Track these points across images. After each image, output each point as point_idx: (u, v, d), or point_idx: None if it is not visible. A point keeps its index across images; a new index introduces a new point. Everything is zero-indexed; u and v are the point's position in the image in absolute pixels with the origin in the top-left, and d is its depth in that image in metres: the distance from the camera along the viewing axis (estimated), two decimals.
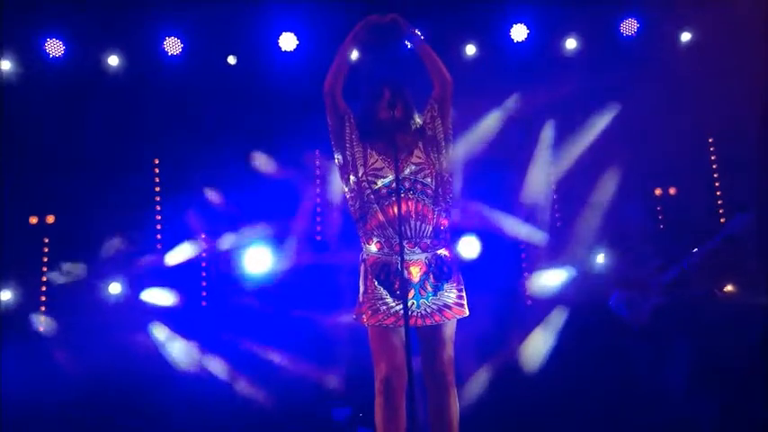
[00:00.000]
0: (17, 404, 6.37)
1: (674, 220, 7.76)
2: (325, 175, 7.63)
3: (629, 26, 7.60)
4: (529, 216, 7.53)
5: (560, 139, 7.64)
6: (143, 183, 7.58)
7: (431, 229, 3.86)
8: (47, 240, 7.43)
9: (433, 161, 3.96)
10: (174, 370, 7.12)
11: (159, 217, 7.60)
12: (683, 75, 7.52)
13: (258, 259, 7.43)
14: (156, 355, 7.14)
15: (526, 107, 7.40)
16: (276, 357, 7.14)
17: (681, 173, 7.76)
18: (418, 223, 3.83)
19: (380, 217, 3.85)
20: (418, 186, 3.89)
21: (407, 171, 3.91)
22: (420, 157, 3.96)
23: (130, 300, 7.30)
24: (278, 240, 7.45)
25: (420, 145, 4.01)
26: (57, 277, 7.30)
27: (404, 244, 3.72)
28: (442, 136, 4.03)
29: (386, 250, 3.85)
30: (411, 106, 4.09)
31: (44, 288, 7.34)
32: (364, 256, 3.94)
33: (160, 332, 7.26)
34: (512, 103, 7.44)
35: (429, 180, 3.92)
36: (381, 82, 4.10)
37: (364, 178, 3.94)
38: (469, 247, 7.44)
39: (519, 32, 7.52)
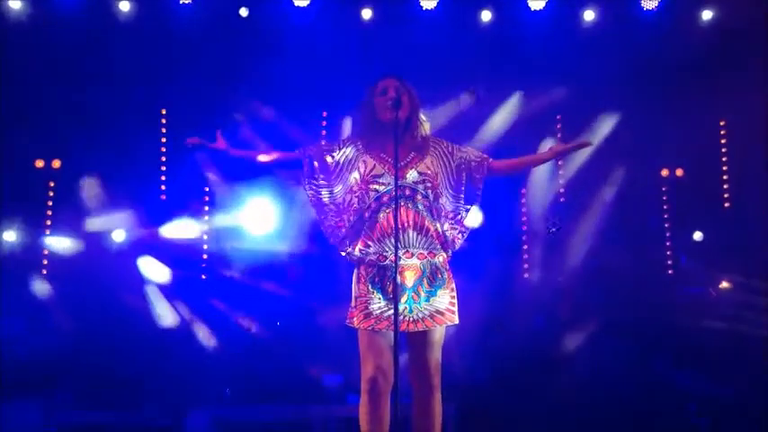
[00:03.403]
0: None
1: (678, 202, 7.75)
2: (331, 134, 7.58)
3: (650, 0, 7.41)
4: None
5: (571, 123, 7.59)
6: (150, 132, 7.58)
7: (427, 239, 3.75)
8: (52, 184, 7.48)
9: (442, 181, 3.82)
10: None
11: (164, 168, 7.63)
12: (700, 54, 7.37)
13: (261, 216, 7.42)
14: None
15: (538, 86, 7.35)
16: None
17: (689, 155, 7.70)
18: (415, 234, 3.71)
19: (375, 227, 3.72)
20: (418, 197, 3.73)
21: (410, 177, 3.73)
22: (430, 169, 3.78)
23: (130, 250, 7.38)
24: (283, 196, 7.45)
25: (433, 160, 3.83)
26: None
27: (399, 253, 3.60)
28: (479, 193, 3.90)
29: (380, 257, 3.73)
30: (417, 106, 3.84)
31: (48, 231, 7.43)
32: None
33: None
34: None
35: (430, 192, 3.75)
36: (383, 77, 3.84)
37: (362, 186, 3.77)
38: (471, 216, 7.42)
39: (537, 1, 7.35)
